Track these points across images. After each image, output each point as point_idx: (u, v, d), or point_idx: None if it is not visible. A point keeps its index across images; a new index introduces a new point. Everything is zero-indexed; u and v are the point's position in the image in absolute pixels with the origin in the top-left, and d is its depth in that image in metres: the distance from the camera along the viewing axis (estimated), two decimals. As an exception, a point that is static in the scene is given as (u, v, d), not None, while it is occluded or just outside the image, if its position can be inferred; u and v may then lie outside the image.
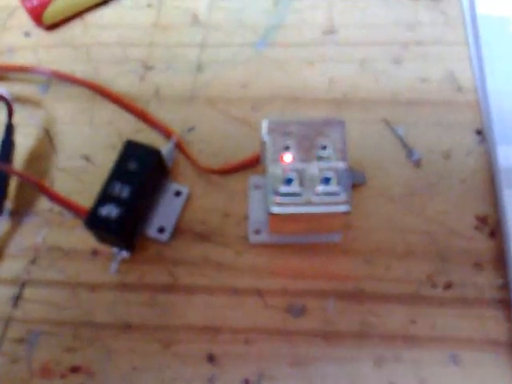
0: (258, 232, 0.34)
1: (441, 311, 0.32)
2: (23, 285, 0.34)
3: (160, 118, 0.37)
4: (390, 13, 0.41)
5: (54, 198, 0.33)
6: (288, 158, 0.30)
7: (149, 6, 0.41)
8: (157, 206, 0.35)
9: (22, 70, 0.38)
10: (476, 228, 0.34)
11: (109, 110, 0.38)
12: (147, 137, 0.37)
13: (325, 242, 0.34)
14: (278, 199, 0.30)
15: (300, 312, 0.32)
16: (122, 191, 0.31)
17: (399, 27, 0.40)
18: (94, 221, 0.31)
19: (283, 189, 0.30)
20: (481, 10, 0.39)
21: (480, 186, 0.35)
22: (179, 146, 0.37)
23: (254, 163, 0.36)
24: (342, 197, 0.30)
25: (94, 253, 0.34)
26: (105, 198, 0.31)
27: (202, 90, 0.39)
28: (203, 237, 0.35)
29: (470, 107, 0.37)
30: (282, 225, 0.32)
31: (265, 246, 0.34)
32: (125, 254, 0.34)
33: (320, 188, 0.30)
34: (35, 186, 0.33)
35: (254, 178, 0.35)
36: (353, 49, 0.40)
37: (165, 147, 0.35)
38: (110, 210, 0.31)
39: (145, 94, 0.39)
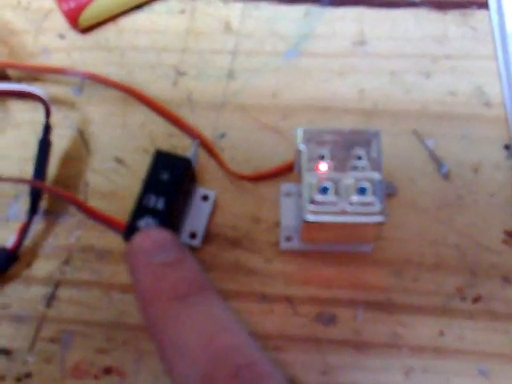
0: (289, 239, 0.34)
1: (469, 324, 0.32)
2: (57, 284, 0.34)
3: (192, 124, 0.38)
4: (420, 26, 0.41)
5: (90, 213, 0.33)
6: (323, 167, 0.31)
7: (182, 12, 0.42)
8: (186, 211, 0.35)
9: (57, 71, 0.39)
10: (504, 242, 0.34)
11: (141, 114, 0.39)
12: (179, 141, 0.38)
13: (355, 252, 0.34)
14: (313, 207, 0.30)
15: (330, 320, 0.33)
16: (157, 202, 0.32)
17: (428, 40, 0.41)
18: (132, 232, 0.31)
19: (319, 197, 0.30)
20: (511, 27, 0.40)
21: (508, 201, 0.36)
22: (210, 151, 0.37)
23: (286, 171, 0.36)
24: (377, 207, 0.30)
25: (127, 255, 0.35)
26: (141, 209, 0.32)
27: (233, 97, 0.39)
28: (234, 242, 0.35)
29: (498, 122, 0.38)
30: (314, 233, 0.32)
31: (295, 253, 0.35)
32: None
33: (355, 198, 0.30)
34: (69, 201, 0.34)
35: (285, 186, 0.36)
36: (383, 60, 0.40)
37: (188, 151, 0.36)
38: (148, 222, 0.31)
39: (177, 99, 0.39)
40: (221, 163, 0.37)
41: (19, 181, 0.36)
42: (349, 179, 0.31)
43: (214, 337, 0.26)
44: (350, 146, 0.31)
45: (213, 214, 0.36)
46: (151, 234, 0.30)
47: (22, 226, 0.34)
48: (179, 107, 0.39)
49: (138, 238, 0.29)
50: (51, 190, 0.35)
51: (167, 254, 0.28)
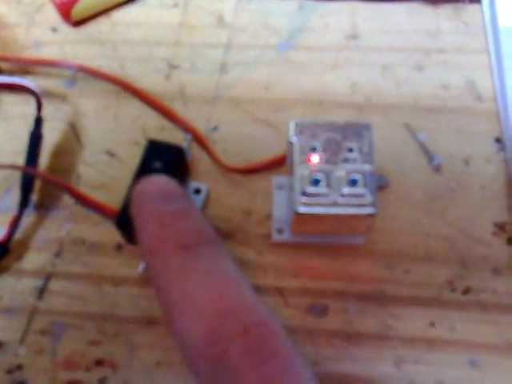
0: (280, 231, 0.34)
1: (460, 315, 0.32)
2: (48, 277, 0.34)
3: (184, 117, 0.38)
4: (412, 20, 0.41)
5: (82, 199, 0.33)
6: (315, 159, 0.31)
7: (175, 5, 0.42)
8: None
9: (49, 63, 0.39)
10: (494, 234, 0.34)
11: (133, 107, 0.39)
12: (171, 135, 0.38)
13: (346, 244, 0.34)
14: (305, 199, 0.30)
15: (321, 312, 0.33)
16: None
17: (421, 34, 0.41)
18: (124, 220, 0.31)
19: (310, 189, 0.30)
20: (502, 21, 0.40)
21: (499, 193, 0.36)
22: (203, 145, 0.37)
23: (278, 164, 0.36)
24: (368, 199, 0.30)
25: (119, 247, 0.35)
26: None
27: (226, 91, 0.39)
28: (226, 235, 0.35)
29: (489, 116, 0.38)
30: (306, 225, 0.32)
31: (287, 245, 0.35)
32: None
33: (346, 189, 0.30)
34: (62, 188, 0.34)
35: (277, 179, 0.36)
36: (375, 54, 0.40)
37: (181, 145, 0.36)
38: None
39: (169, 92, 0.39)
40: (213, 156, 0.37)
41: (11, 167, 0.36)
42: (340, 171, 0.31)
43: (222, 291, 0.25)
44: (342, 138, 0.31)
45: (205, 206, 0.36)
46: (157, 181, 0.28)
47: (13, 218, 0.34)
48: (172, 101, 0.39)
49: (144, 185, 0.28)
50: (43, 176, 0.35)
51: (174, 202, 0.27)
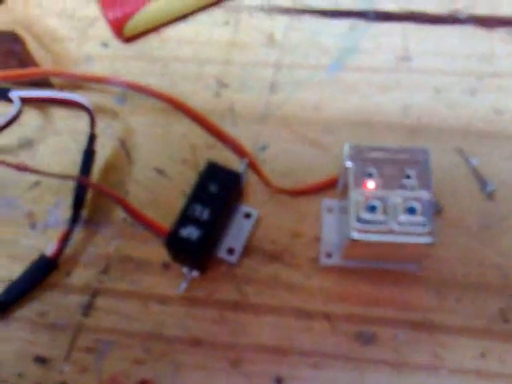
0: (329, 255, 0.34)
1: (513, 348, 0.32)
2: (94, 294, 0.34)
3: (233, 136, 0.38)
4: (465, 43, 0.41)
5: (135, 215, 0.33)
6: (371, 184, 0.30)
7: (225, 23, 0.42)
8: (227, 227, 0.35)
9: (101, 80, 0.39)
10: (550, 266, 0.34)
11: (183, 125, 0.39)
12: (220, 153, 0.38)
13: (400, 270, 0.34)
14: (360, 226, 0.30)
15: (369, 339, 0.32)
16: (203, 213, 0.32)
17: (474, 58, 0.40)
18: (174, 241, 0.31)
19: (366, 216, 0.30)
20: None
21: (555, 223, 0.35)
22: (252, 165, 0.37)
23: (328, 186, 0.36)
24: (427, 228, 0.29)
25: (166, 266, 0.34)
26: (186, 219, 0.31)
27: (276, 110, 0.39)
28: (273, 256, 0.35)
29: (545, 142, 0.37)
30: (359, 251, 0.32)
31: (335, 269, 0.34)
32: (195, 273, 0.34)
33: (404, 217, 0.30)
34: (117, 201, 0.34)
35: (327, 201, 0.35)
36: (427, 77, 0.40)
37: (231, 165, 0.35)
38: (190, 232, 0.31)
39: (219, 110, 0.39)
40: (262, 176, 0.36)
41: (68, 177, 0.36)
42: (397, 198, 0.30)
43: None
44: (398, 163, 0.31)
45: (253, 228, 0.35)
46: None
47: (63, 233, 0.34)
48: (221, 119, 0.39)
49: None
50: (100, 188, 0.36)
51: None
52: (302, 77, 0.40)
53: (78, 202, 0.34)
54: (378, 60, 0.40)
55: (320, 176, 0.36)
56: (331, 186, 0.36)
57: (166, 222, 0.32)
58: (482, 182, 0.36)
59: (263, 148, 0.38)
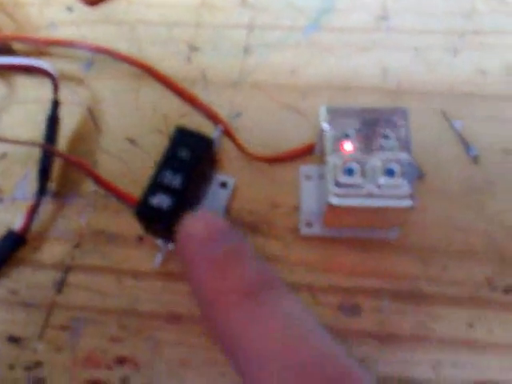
0: (309, 224, 0.33)
1: (500, 316, 0.31)
2: (66, 269, 0.33)
3: (207, 102, 0.36)
4: (446, 0, 0.39)
5: (103, 184, 0.32)
6: (349, 146, 0.29)
7: (196, -16, 0.40)
8: (202, 198, 0.33)
9: (66, 44, 0.37)
10: (536, 228, 0.33)
11: (154, 92, 0.37)
12: (192, 121, 0.36)
13: (379, 238, 0.33)
14: (338, 190, 0.29)
15: (353, 311, 0.31)
16: (174, 180, 0.30)
17: (455, 15, 0.39)
18: (144, 210, 0.29)
19: (344, 179, 0.29)
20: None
21: (540, 185, 0.34)
22: (227, 133, 0.35)
23: (306, 153, 0.34)
24: (407, 190, 0.28)
25: (140, 239, 0.33)
26: (156, 186, 0.30)
27: (250, 74, 0.38)
28: (252, 227, 0.33)
29: (529, 102, 0.36)
30: (338, 217, 0.31)
31: (316, 239, 0.33)
32: (171, 246, 0.32)
33: (383, 180, 0.28)
34: (83, 170, 0.32)
35: (305, 168, 0.34)
36: (407, 36, 0.38)
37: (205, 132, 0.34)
38: (161, 200, 0.29)
39: (191, 76, 0.37)
40: (237, 144, 0.35)
41: (32, 144, 0.34)
42: (376, 160, 0.29)
43: (297, 344, 0.21)
44: (377, 125, 0.30)
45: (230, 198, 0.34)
46: (202, 219, 0.25)
47: (31, 207, 0.32)
48: (193, 85, 0.37)
49: (189, 225, 0.25)
50: (65, 156, 0.34)
51: (224, 241, 0.24)
52: (276, 39, 0.38)
53: (45, 173, 0.33)
54: (356, 20, 0.39)
55: (298, 143, 0.35)
56: (309, 152, 0.34)
57: (139, 193, 0.31)
58: (465, 145, 0.35)
59: (238, 115, 0.36)
